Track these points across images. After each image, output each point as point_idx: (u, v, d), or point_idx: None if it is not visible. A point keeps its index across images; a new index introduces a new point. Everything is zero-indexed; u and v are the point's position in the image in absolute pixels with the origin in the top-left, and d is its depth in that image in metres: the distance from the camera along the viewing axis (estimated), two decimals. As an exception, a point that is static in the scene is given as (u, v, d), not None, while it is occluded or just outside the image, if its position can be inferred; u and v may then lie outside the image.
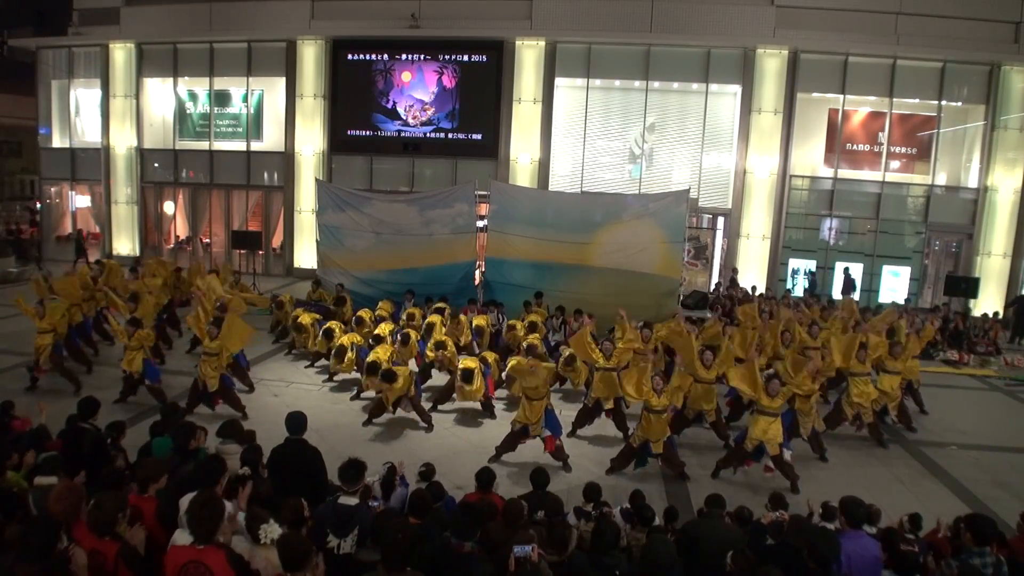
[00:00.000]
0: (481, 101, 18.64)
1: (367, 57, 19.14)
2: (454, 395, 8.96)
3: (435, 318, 10.44)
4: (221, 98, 20.45)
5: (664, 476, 7.51)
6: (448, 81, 18.77)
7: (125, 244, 21.24)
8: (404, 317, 10.93)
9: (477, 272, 13.72)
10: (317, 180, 15.81)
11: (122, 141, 20.79)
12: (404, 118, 19.11)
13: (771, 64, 17.36)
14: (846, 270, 17.53)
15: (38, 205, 28.47)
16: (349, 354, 9.51)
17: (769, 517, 4.92)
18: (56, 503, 3.48)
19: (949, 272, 17.51)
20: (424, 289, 12.28)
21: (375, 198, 14.64)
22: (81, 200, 22.47)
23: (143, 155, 20.95)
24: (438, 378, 9.75)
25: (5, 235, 23.46)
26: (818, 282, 17.57)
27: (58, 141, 21.90)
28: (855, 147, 17.91)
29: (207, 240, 21.60)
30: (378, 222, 13.51)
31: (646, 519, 4.97)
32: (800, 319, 10.58)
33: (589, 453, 8.03)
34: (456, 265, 13.13)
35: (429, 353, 9.42)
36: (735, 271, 17.40)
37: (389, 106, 19.15)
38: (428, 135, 19.04)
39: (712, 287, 17.27)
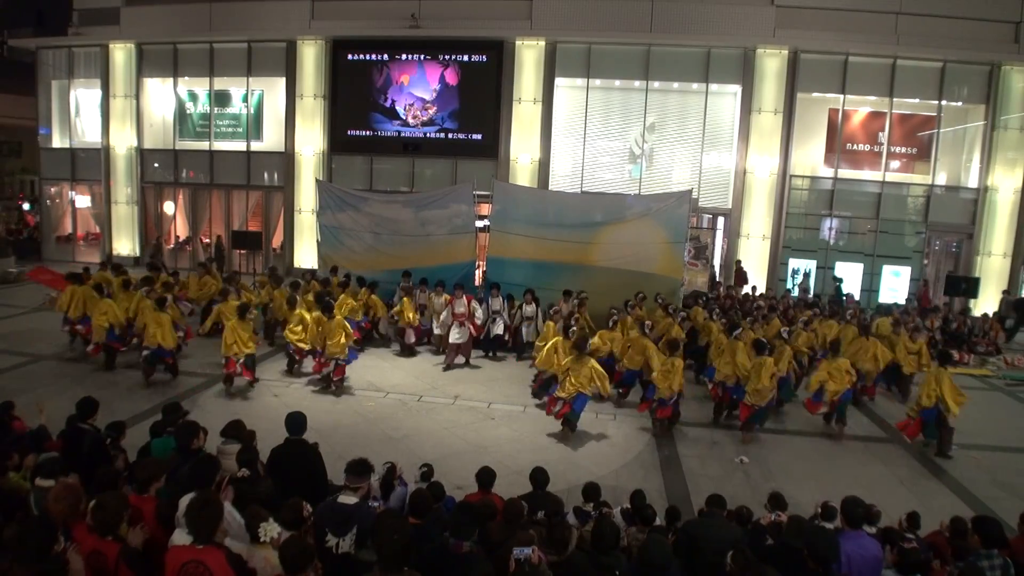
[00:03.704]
0: (481, 101, 18.64)
1: (367, 57, 19.14)
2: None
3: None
4: (221, 98, 20.46)
5: (664, 476, 7.51)
6: (448, 81, 18.77)
7: (125, 244, 21.24)
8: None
9: (478, 272, 13.72)
10: (317, 180, 15.82)
11: (122, 141, 20.80)
12: (404, 118, 19.11)
13: (771, 64, 17.36)
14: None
15: (24, 205, 28.66)
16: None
17: (768, 519, 4.92)
18: (55, 503, 3.47)
19: (949, 272, 17.51)
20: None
21: (372, 198, 14.63)
22: (81, 200, 22.47)
23: (143, 155, 20.96)
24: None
25: (5, 235, 23.42)
26: (810, 286, 17.60)
27: (58, 141, 21.91)
28: (855, 147, 17.90)
29: (207, 240, 21.60)
30: (376, 222, 13.52)
31: (647, 519, 4.97)
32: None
33: (589, 453, 8.03)
34: (456, 265, 13.12)
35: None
36: (738, 262, 17.39)
37: (388, 106, 19.15)
38: (428, 135, 19.04)
39: (712, 287, 17.26)
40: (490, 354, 12.04)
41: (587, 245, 12.67)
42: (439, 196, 13.71)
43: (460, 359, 11.38)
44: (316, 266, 14.83)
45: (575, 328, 9.49)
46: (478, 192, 13.82)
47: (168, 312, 9.85)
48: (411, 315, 11.53)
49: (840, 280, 17.35)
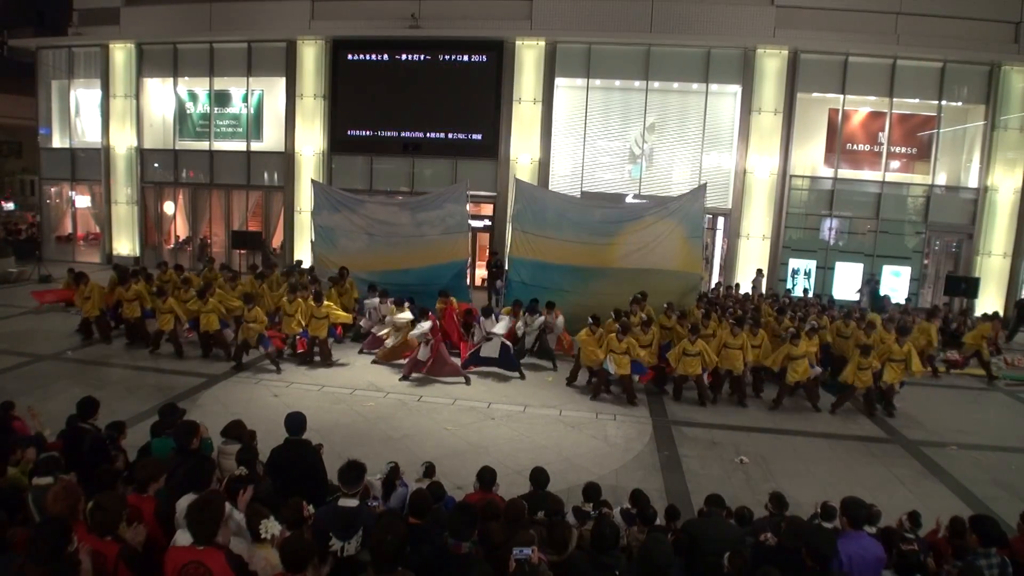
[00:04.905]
0: (481, 101, 18.63)
1: (367, 57, 19.14)
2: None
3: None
4: (221, 98, 20.46)
5: (664, 476, 7.52)
6: (447, 81, 18.74)
7: (125, 244, 21.25)
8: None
9: (477, 272, 13.70)
10: (313, 181, 15.79)
11: (122, 141, 20.80)
12: (404, 118, 19.08)
13: (771, 64, 17.36)
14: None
15: (8, 204, 28.69)
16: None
17: (764, 536, 4.85)
18: (54, 503, 3.46)
19: (949, 272, 17.51)
20: (418, 288, 12.31)
21: (368, 200, 14.69)
22: (81, 200, 22.48)
23: (143, 155, 20.96)
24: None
25: (5, 235, 23.43)
26: (809, 284, 17.66)
27: (58, 141, 21.91)
28: (855, 147, 17.90)
29: (207, 240, 21.58)
30: (372, 223, 13.55)
31: (647, 518, 4.97)
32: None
33: (589, 453, 8.03)
34: (448, 264, 13.16)
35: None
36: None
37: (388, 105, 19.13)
38: (428, 135, 19.03)
39: (711, 287, 17.26)
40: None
41: (607, 246, 12.60)
42: (435, 197, 13.74)
43: (420, 372, 10.56)
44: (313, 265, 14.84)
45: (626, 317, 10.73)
46: (473, 192, 13.78)
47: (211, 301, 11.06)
48: (294, 325, 10.87)
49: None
